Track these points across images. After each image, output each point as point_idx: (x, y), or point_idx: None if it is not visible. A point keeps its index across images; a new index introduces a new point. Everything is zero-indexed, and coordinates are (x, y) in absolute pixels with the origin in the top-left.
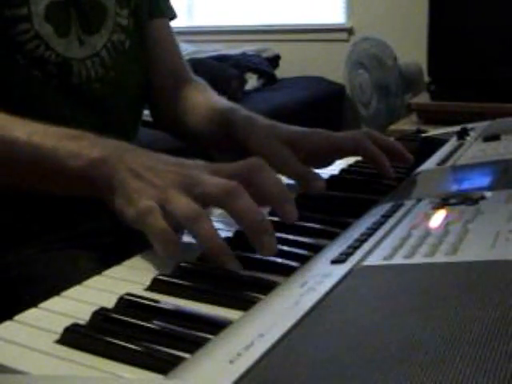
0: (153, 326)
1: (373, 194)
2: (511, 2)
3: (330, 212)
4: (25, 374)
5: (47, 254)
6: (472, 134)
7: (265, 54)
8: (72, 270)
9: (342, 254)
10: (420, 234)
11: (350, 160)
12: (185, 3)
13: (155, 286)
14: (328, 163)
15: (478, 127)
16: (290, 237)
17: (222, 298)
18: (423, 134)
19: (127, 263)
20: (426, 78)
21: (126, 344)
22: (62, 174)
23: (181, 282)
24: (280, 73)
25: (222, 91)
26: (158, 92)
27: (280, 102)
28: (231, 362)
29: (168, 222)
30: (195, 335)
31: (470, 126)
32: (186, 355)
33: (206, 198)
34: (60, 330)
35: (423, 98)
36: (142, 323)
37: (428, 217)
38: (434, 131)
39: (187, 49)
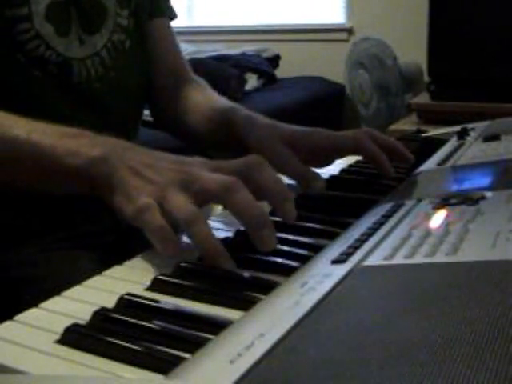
0: (153, 326)
1: (373, 194)
2: (511, 2)
3: (330, 212)
4: (25, 373)
5: (47, 254)
6: (472, 133)
7: (265, 54)
8: (72, 270)
9: (342, 254)
10: (420, 234)
11: (350, 160)
12: (185, 3)
13: (155, 285)
14: (328, 163)
15: (478, 127)
16: (290, 237)
17: (222, 298)
18: (423, 134)
19: (127, 263)
20: (426, 78)
21: (127, 344)
22: (61, 172)
23: (181, 281)
24: (280, 73)
25: (221, 91)
26: (159, 92)
27: (280, 102)
28: (232, 362)
29: (166, 219)
30: (195, 335)
31: (470, 126)
32: (187, 355)
33: (204, 195)
34: (60, 330)
35: (423, 98)
36: (143, 323)
37: (428, 217)
38: (434, 131)
39: (187, 49)
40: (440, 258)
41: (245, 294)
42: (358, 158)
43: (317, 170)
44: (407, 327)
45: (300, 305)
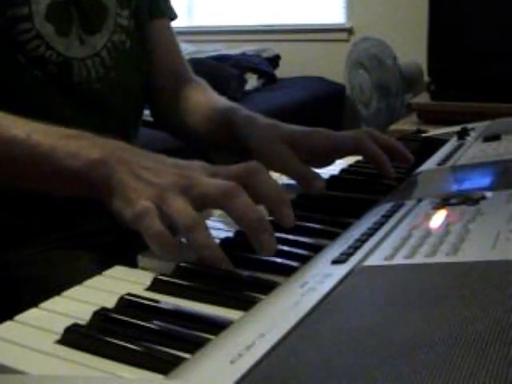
0: (153, 326)
1: (373, 194)
2: (511, 2)
3: (330, 212)
4: (25, 374)
5: (47, 254)
6: (472, 133)
7: (265, 54)
8: (72, 270)
9: (342, 254)
10: (420, 234)
11: (350, 160)
12: (185, 3)
13: (155, 286)
14: (328, 163)
15: (478, 127)
16: (291, 237)
17: (222, 298)
18: (423, 134)
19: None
20: (426, 78)
21: (127, 344)
22: (60, 174)
23: (181, 281)
24: (280, 73)
25: (221, 91)
26: (159, 92)
27: (280, 102)
28: (232, 362)
29: (165, 223)
30: (196, 335)
31: (470, 126)
32: (187, 355)
33: (204, 200)
34: (60, 330)
35: (423, 98)
36: (143, 323)
37: (428, 217)
38: (434, 131)
39: (187, 49)
40: (440, 258)
41: (245, 294)
42: (358, 158)
43: (317, 170)
44: (407, 327)
45: (300, 305)
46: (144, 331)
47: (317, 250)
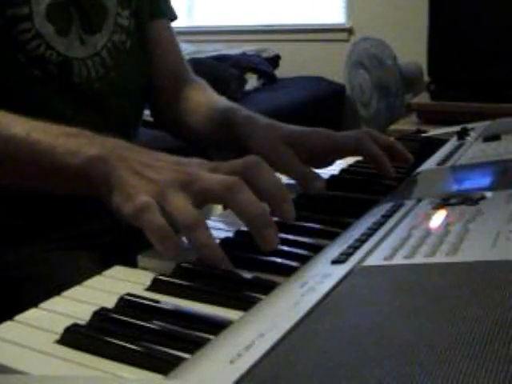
0: (153, 326)
1: (373, 194)
2: (511, 2)
3: (330, 212)
4: (25, 374)
5: (47, 254)
6: (472, 133)
7: (265, 54)
8: (72, 270)
9: (342, 254)
10: (420, 234)
11: (350, 160)
12: (185, 3)
13: (155, 286)
14: (328, 163)
15: (478, 127)
16: (290, 237)
17: (222, 298)
18: (423, 134)
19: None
20: (426, 78)
21: (126, 344)
22: (60, 172)
23: (181, 281)
24: (280, 73)
25: (221, 91)
26: (159, 92)
27: (280, 102)
28: (231, 362)
29: (166, 219)
30: (195, 335)
31: (470, 126)
32: (186, 355)
33: (205, 194)
34: (60, 330)
35: (423, 98)
36: (142, 323)
37: (428, 217)
38: (433, 131)
39: (187, 49)
40: (440, 258)
41: (245, 294)
42: (358, 158)
43: (317, 170)
44: (407, 327)
45: (300, 305)
46: (144, 331)
47: (317, 250)
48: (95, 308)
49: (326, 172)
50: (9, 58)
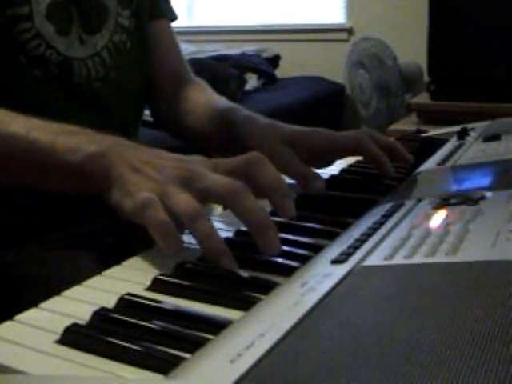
0: (153, 326)
1: (373, 194)
2: (511, 2)
3: (330, 212)
4: (25, 374)
5: (47, 254)
6: (472, 133)
7: (265, 54)
8: (72, 270)
9: (342, 254)
10: (420, 234)
11: (350, 160)
12: (185, 3)
13: (155, 285)
14: (328, 163)
15: (478, 127)
16: (290, 237)
17: (222, 298)
18: (423, 134)
19: (127, 263)
20: (426, 78)
21: (127, 344)
22: (60, 170)
23: (181, 281)
24: (280, 73)
25: (221, 91)
26: (159, 92)
27: (280, 102)
28: (232, 362)
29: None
30: (195, 335)
31: (470, 126)
32: (187, 355)
33: (207, 194)
34: (60, 330)
35: (423, 98)
36: (143, 323)
37: (428, 217)
38: (433, 131)
39: (187, 49)
40: (440, 258)
41: (245, 294)
42: (358, 158)
43: (317, 170)
44: (407, 327)
45: (300, 305)
46: (144, 331)
47: (317, 249)
48: (95, 308)
49: (326, 172)
50: (9, 57)
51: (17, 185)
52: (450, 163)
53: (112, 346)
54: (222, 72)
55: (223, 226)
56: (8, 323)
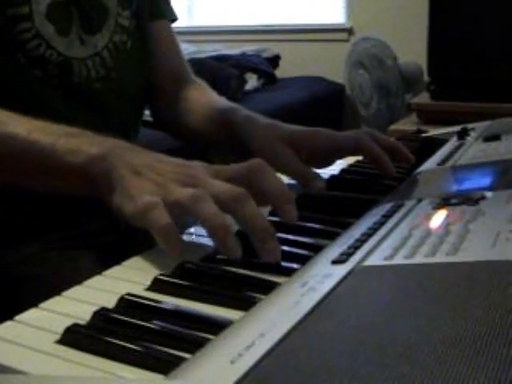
0: (153, 326)
1: (373, 194)
2: (511, 2)
3: (331, 212)
4: (25, 374)
5: (47, 254)
6: (472, 133)
7: (265, 54)
8: (72, 270)
9: (342, 254)
10: (420, 234)
11: (350, 160)
12: (185, 3)
13: (156, 285)
14: (329, 163)
15: (478, 127)
16: (291, 237)
17: (222, 298)
18: (423, 134)
19: (127, 263)
20: (426, 78)
21: (127, 344)
22: (61, 171)
23: (181, 281)
24: (280, 73)
25: (221, 91)
26: (159, 92)
27: (280, 102)
28: (232, 362)
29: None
30: (196, 335)
31: (470, 126)
32: (187, 355)
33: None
34: (60, 330)
35: (423, 98)
36: (143, 323)
37: (428, 217)
38: (434, 131)
39: (187, 49)
40: (440, 258)
41: (245, 294)
42: (358, 158)
43: (317, 170)
44: (407, 327)
45: (300, 305)
46: (144, 331)
47: (317, 250)
48: (95, 308)
49: (326, 172)
50: (9, 57)
51: (17, 185)
52: (450, 163)
53: (112, 346)
54: (222, 72)
55: None
56: (8, 323)
